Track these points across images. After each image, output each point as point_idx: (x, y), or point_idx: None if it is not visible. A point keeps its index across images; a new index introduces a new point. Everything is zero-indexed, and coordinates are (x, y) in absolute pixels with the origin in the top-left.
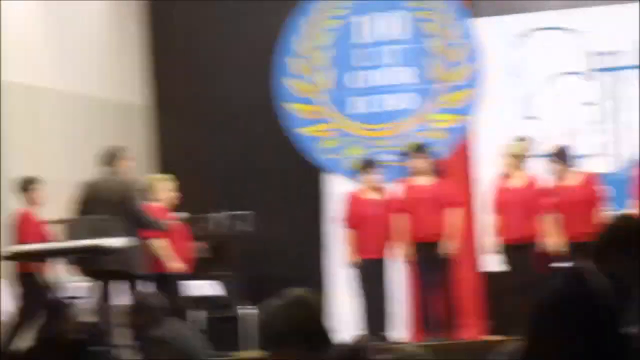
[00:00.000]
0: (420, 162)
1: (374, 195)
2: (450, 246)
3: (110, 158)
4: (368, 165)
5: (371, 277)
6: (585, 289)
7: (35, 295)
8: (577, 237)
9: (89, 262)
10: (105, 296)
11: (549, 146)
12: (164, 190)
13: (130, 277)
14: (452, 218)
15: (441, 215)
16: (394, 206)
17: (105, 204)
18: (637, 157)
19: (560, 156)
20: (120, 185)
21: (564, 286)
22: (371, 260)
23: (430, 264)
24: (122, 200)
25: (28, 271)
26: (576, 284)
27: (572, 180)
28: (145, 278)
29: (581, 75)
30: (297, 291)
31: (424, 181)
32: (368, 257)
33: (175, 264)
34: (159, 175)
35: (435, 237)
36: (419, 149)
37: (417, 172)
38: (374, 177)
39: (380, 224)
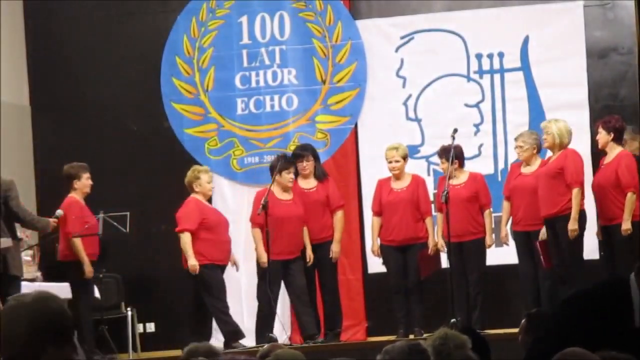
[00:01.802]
0: (307, 164)
1: (286, 196)
2: (335, 248)
3: None
4: (283, 164)
5: (276, 279)
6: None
7: None
8: (461, 236)
9: None
10: None
11: (438, 145)
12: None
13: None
14: (336, 220)
15: (327, 218)
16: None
17: None
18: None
19: (450, 155)
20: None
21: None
22: (279, 261)
23: (319, 266)
24: (2, 200)
25: None
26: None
27: (460, 179)
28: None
29: (464, 77)
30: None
31: (309, 184)
32: (277, 258)
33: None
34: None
35: (323, 239)
36: (305, 150)
37: (303, 175)
38: (288, 177)
39: (292, 225)
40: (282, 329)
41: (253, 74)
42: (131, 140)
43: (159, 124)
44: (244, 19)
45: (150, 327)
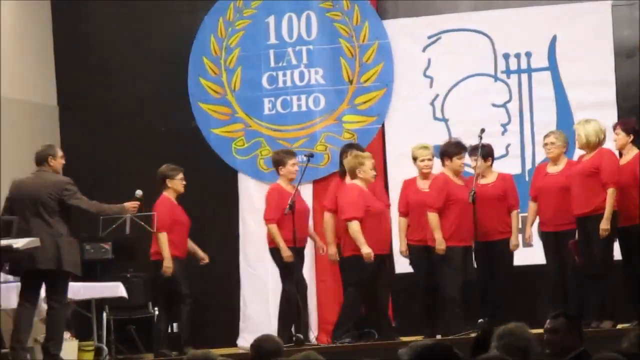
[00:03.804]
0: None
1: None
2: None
3: (42, 156)
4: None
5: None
6: None
7: None
8: (490, 235)
9: (20, 262)
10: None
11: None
12: None
13: (63, 276)
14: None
15: None
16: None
17: (35, 201)
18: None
19: (483, 153)
20: (50, 183)
21: None
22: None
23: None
24: (57, 199)
25: None
26: None
27: (489, 179)
28: (75, 277)
29: (491, 77)
30: None
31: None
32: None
33: None
34: None
35: None
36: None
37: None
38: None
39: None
40: (309, 329)
41: (280, 73)
42: (158, 140)
43: (186, 124)
44: (271, 19)
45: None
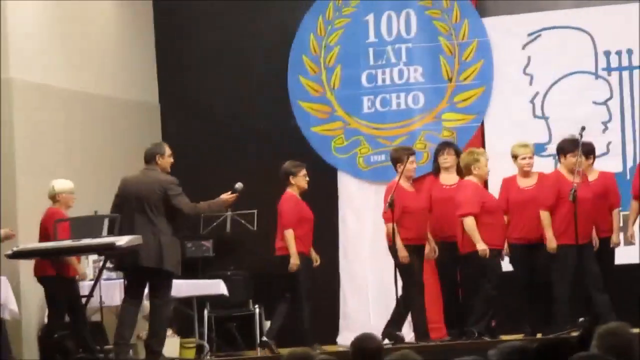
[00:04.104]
0: (450, 159)
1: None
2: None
3: (150, 154)
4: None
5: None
6: None
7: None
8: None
9: (124, 259)
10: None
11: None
12: None
13: (164, 275)
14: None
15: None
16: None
17: (140, 200)
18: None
19: (585, 151)
20: (156, 181)
21: None
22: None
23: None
24: (162, 198)
25: (46, 275)
26: None
27: (590, 177)
28: (177, 276)
29: (592, 74)
30: None
31: (451, 180)
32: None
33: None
34: None
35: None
36: (448, 145)
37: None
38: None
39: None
40: (408, 328)
41: (379, 72)
42: (258, 138)
43: (286, 123)
44: (370, 17)
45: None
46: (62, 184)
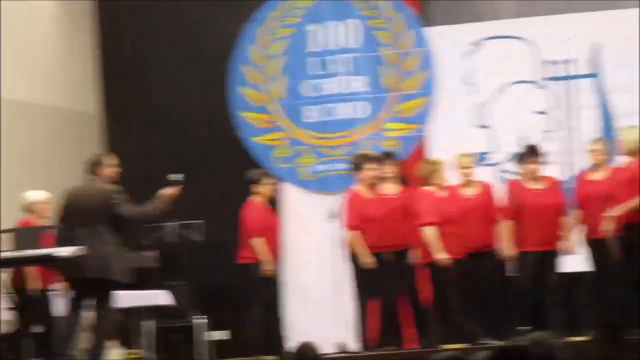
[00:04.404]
0: (390, 169)
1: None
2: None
3: (91, 165)
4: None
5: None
6: None
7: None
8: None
9: (69, 270)
10: (75, 306)
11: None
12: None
13: (110, 285)
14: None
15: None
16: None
17: (83, 210)
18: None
19: (533, 155)
20: (98, 192)
21: None
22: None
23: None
24: (105, 207)
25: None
26: None
27: (539, 184)
28: (126, 286)
29: (533, 83)
30: None
31: (392, 189)
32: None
33: None
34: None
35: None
36: (389, 156)
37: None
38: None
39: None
40: (350, 336)
41: (322, 81)
42: (200, 148)
43: (228, 133)
44: (313, 27)
45: (224, 334)
46: (34, 195)
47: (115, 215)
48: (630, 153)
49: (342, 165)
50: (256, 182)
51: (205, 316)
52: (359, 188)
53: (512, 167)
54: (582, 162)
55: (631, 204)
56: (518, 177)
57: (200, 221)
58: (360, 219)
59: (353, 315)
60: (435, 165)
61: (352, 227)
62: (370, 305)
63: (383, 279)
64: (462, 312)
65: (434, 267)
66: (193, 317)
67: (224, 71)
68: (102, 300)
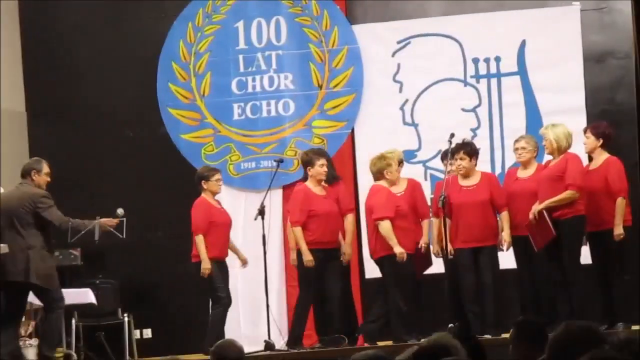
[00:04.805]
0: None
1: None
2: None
3: (26, 170)
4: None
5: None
6: None
7: None
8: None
9: None
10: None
11: (435, 150)
12: None
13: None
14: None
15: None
16: None
17: (10, 214)
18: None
19: (469, 151)
20: (26, 196)
21: None
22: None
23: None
24: (30, 211)
25: None
26: None
27: (472, 180)
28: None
29: (461, 81)
30: None
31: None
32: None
33: None
34: None
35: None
36: (322, 153)
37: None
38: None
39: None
40: (279, 334)
41: (249, 79)
42: (127, 146)
43: (155, 130)
44: (240, 24)
45: (147, 333)
46: None
47: (43, 220)
48: (554, 152)
49: (270, 163)
50: (205, 178)
51: (129, 314)
52: (309, 184)
53: (440, 164)
54: (509, 159)
55: (555, 199)
56: (448, 174)
57: (121, 218)
58: (307, 215)
59: (280, 313)
60: (387, 160)
61: (298, 223)
62: (310, 302)
63: (324, 276)
64: (399, 309)
65: (382, 263)
66: (118, 315)
67: (151, 68)
68: (44, 301)
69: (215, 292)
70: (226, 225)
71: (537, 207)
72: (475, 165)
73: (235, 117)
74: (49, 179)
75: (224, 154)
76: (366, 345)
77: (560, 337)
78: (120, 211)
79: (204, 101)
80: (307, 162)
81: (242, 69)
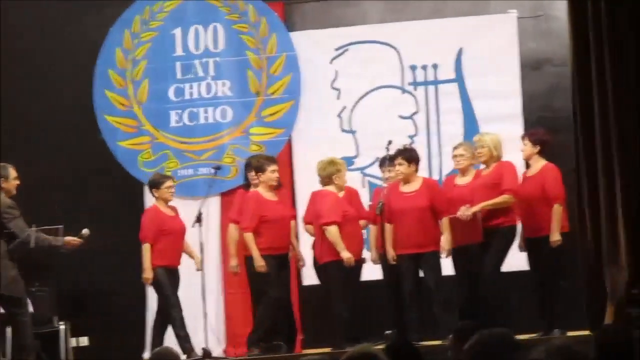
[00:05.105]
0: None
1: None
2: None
3: None
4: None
5: None
6: None
7: None
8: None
9: None
10: None
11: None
12: None
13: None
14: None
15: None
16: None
17: None
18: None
19: (408, 157)
20: None
21: None
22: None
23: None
24: None
25: None
26: None
27: (412, 186)
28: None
29: (399, 88)
30: None
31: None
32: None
33: None
34: None
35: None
36: (273, 159)
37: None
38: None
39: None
40: (216, 342)
41: (187, 86)
42: (64, 153)
43: (92, 137)
44: (177, 31)
45: (84, 341)
46: None
47: (7, 231)
48: (490, 160)
49: (207, 170)
50: (156, 186)
51: (66, 322)
52: (261, 190)
53: (378, 171)
54: (447, 166)
55: (491, 202)
56: (387, 181)
57: (59, 226)
58: (259, 221)
59: (218, 321)
60: (337, 165)
61: (249, 228)
62: (276, 302)
63: (275, 282)
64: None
65: (327, 268)
66: (54, 323)
67: (88, 75)
68: (9, 311)
69: (161, 300)
70: (178, 233)
71: (473, 208)
72: (416, 171)
73: (173, 124)
74: (18, 182)
75: (161, 161)
76: (303, 352)
77: (475, 346)
78: (85, 231)
79: (141, 108)
80: (258, 168)
81: (179, 76)
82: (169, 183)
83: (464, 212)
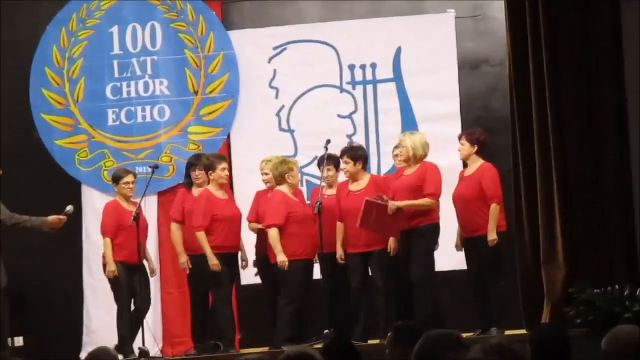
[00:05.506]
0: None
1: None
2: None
3: None
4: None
5: None
6: None
7: None
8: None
9: None
10: None
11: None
12: None
13: None
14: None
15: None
16: None
17: None
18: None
19: (354, 155)
20: None
21: None
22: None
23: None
24: None
25: None
26: None
27: (360, 184)
28: None
29: (337, 88)
30: None
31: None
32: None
33: None
34: None
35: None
36: (223, 158)
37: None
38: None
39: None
40: (153, 342)
41: (124, 84)
42: (2, 151)
43: (28, 135)
44: (114, 29)
45: (19, 341)
46: None
47: None
48: (409, 160)
49: (145, 169)
50: (116, 181)
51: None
52: (211, 188)
53: (316, 170)
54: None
55: (414, 202)
56: (326, 180)
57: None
58: (211, 219)
59: (155, 320)
60: (289, 164)
61: (202, 227)
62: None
63: (228, 280)
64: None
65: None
66: None
67: (24, 73)
68: None
69: (118, 295)
70: (140, 229)
71: (397, 202)
72: (363, 169)
73: (110, 122)
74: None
75: (99, 159)
76: (241, 352)
77: (423, 346)
78: (69, 208)
79: (78, 106)
80: (208, 166)
81: (116, 75)
82: (127, 179)
83: (390, 206)
